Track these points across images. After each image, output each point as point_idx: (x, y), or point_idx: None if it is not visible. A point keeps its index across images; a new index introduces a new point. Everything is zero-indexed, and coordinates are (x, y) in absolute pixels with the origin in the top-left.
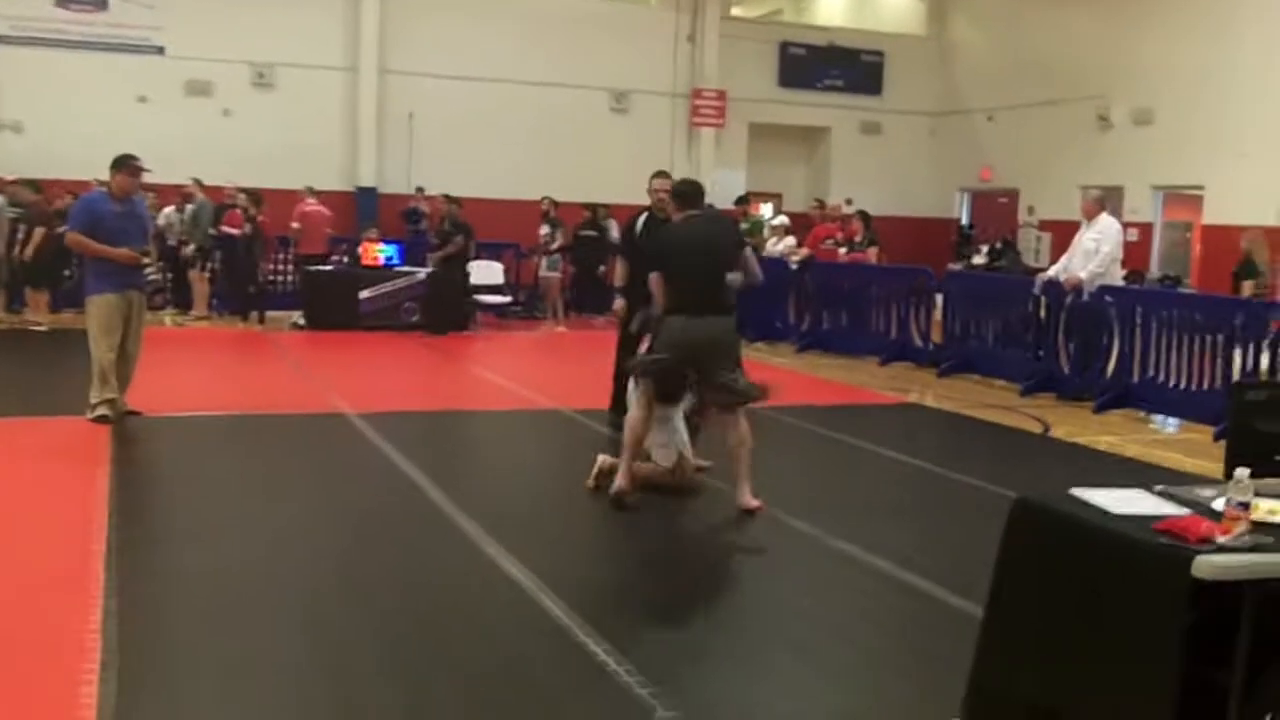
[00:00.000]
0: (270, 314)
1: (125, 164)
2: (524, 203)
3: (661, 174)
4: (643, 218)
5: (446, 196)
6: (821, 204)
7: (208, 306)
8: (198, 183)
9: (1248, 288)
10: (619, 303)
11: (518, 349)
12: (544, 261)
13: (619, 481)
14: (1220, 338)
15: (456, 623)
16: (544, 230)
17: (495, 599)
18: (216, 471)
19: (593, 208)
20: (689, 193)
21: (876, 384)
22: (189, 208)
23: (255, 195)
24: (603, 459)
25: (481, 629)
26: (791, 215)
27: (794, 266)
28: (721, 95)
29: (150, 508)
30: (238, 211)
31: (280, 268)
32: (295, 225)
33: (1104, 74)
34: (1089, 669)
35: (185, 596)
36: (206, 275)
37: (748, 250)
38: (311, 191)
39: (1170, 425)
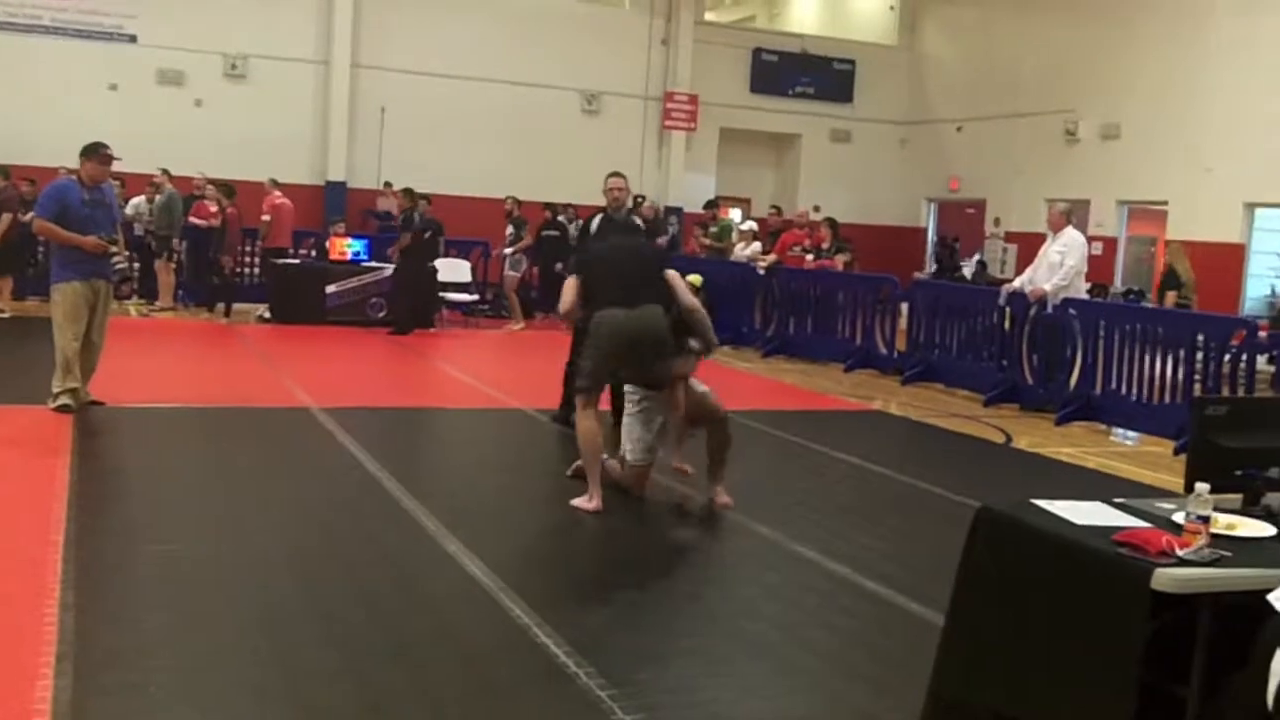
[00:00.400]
0: (236, 306)
1: (96, 151)
2: (493, 201)
3: (617, 174)
4: (598, 218)
5: (406, 191)
6: (779, 210)
7: (174, 298)
8: (166, 173)
9: (1170, 298)
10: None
11: (482, 347)
12: (507, 260)
13: (595, 503)
14: (1182, 352)
15: (416, 621)
16: (509, 230)
17: (455, 597)
18: (178, 464)
19: (552, 207)
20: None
21: (841, 390)
22: (158, 198)
23: (228, 187)
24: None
25: (441, 627)
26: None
27: (761, 272)
28: (693, 99)
29: (111, 499)
30: (206, 202)
31: (246, 260)
32: (266, 217)
33: (1072, 88)
34: (1049, 679)
35: (144, 589)
36: (173, 266)
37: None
38: (275, 184)
39: (1131, 438)
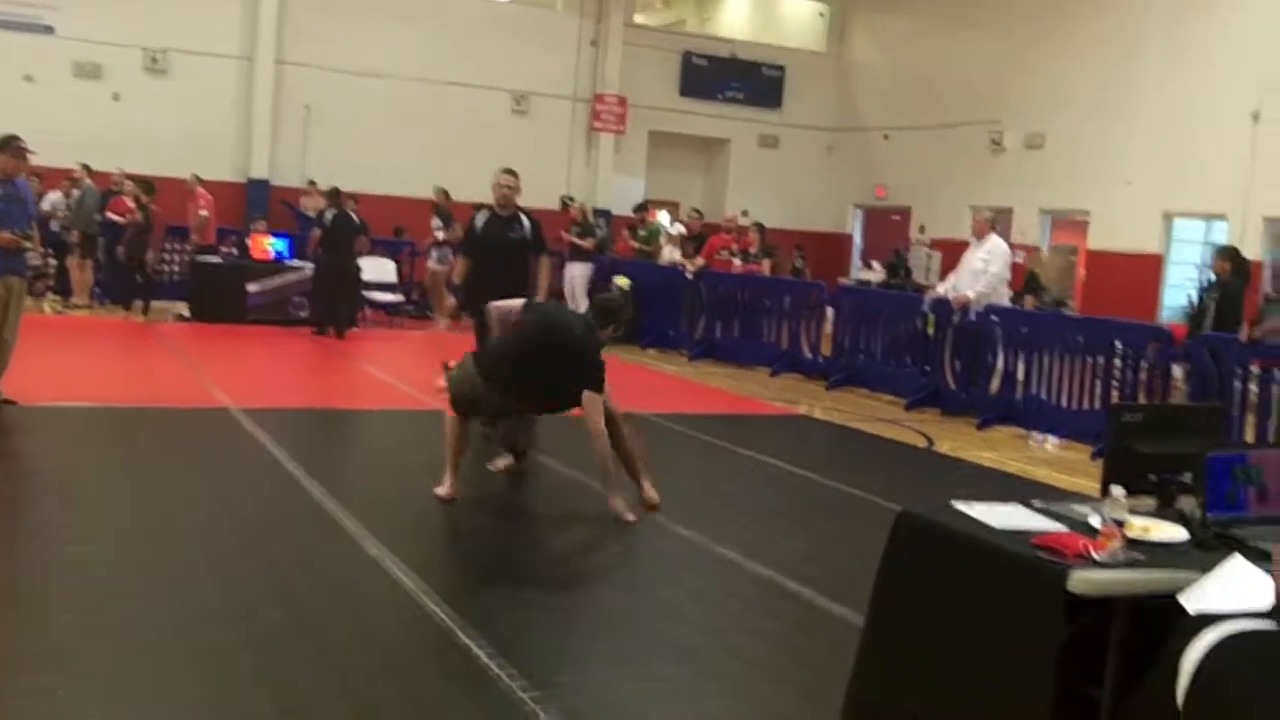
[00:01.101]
0: (154, 305)
1: (9, 145)
2: (421, 201)
3: (508, 171)
4: (484, 214)
5: (331, 191)
6: (700, 214)
7: (90, 295)
8: (86, 168)
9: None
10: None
11: (405, 347)
12: (433, 255)
13: (446, 489)
14: (1101, 359)
15: (335, 623)
16: (435, 223)
17: (376, 599)
18: (94, 464)
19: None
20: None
21: (767, 395)
22: (75, 193)
23: (147, 183)
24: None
25: (362, 629)
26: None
27: (689, 276)
28: (623, 102)
29: (24, 500)
30: (124, 198)
31: (168, 257)
32: (204, 213)
33: (998, 98)
34: (967, 681)
35: (59, 591)
36: (90, 263)
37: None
38: (199, 180)
39: (1050, 443)
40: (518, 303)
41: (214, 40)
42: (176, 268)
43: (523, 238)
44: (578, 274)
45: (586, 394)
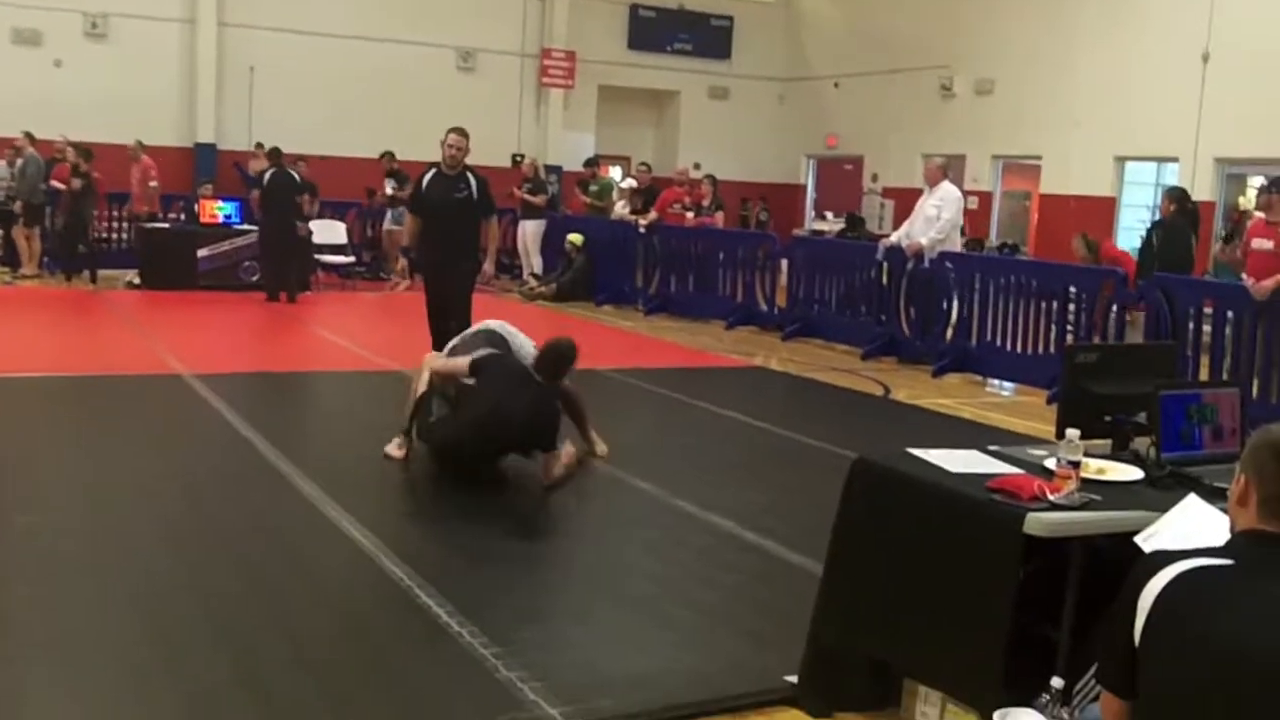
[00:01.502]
0: (103, 273)
1: None
2: (368, 161)
3: (458, 131)
4: (430, 173)
5: (270, 152)
6: (648, 168)
7: (39, 265)
8: (29, 136)
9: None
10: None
11: (360, 309)
12: (388, 215)
13: (400, 451)
14: (1055, 304)
15: (294, 586)
16: (389, 184)
17: (335, 561)
18: (45, 434)
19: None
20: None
21: (722, 347)
22: (19, 162)
23: (85, 150)
24: None
25: (321, 592)
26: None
27: (642, 230)
28: (571, 56)
29: None
30: (68, 166)
31: (114, 225)
32: (154, 184)
33: (947, 44)
34: (925, 624)
35: (12, 562)
36: (36, 232)
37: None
38: (143, 147)
39: (1006, 389)
40: (462, 363)
41: (155, 3)
42: (123, 235)
43: (468, 197)
44: (530, 231)
45: (543, 455)
